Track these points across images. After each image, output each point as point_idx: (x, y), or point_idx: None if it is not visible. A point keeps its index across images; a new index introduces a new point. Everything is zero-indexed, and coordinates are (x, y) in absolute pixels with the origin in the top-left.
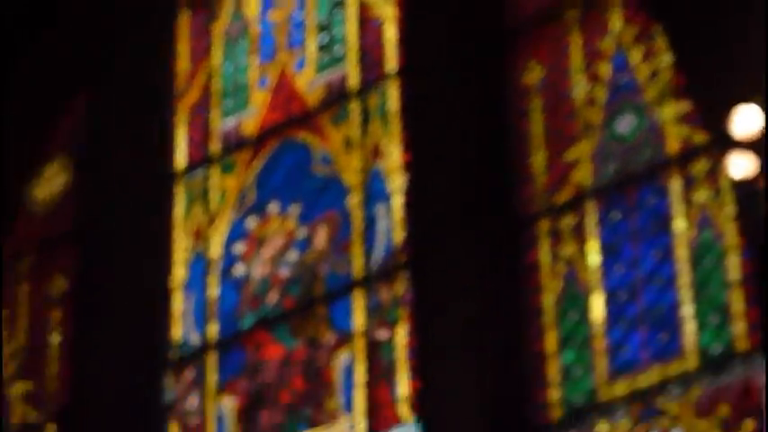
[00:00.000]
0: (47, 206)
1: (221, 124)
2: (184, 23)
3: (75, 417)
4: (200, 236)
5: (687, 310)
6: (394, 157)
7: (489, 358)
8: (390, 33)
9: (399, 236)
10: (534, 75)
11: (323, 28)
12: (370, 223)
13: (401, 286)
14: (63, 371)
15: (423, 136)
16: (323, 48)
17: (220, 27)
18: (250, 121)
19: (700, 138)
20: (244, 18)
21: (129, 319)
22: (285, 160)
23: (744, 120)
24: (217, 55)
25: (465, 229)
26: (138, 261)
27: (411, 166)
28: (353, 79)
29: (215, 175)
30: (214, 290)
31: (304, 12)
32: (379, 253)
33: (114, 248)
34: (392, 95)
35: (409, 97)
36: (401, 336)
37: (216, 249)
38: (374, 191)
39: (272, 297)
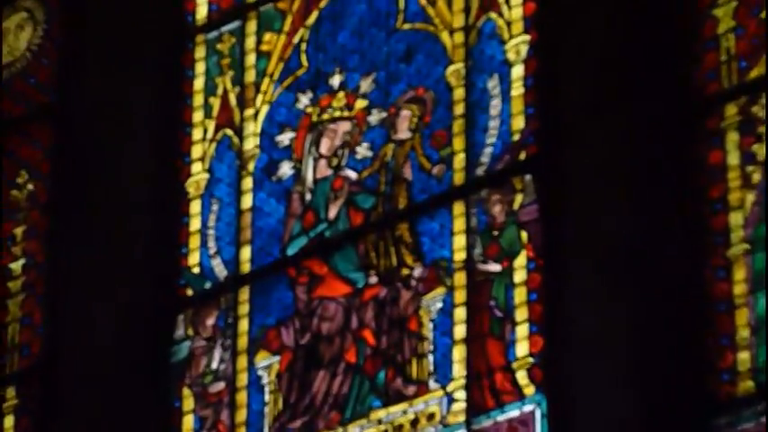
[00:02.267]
0: (8, 72)
1: None
2: None
3: (45, 378)
4: (229, 119)
5: None
6: (515, 7)
7: (647, 304)
8: None
9: (519, 124)
10: None
11: None
12: (477, 105)
13: (521, 196)
14: (29, 312)
15: None
16: None
17: None
18: None
19: None
20: None
21: (124, 239)
22: (355, 10)
23: None
24: None
25: (614, 116)
26: (138, 155)
27: (539, 23)
28: None
29: (251, 31)
30: (248, 198)
31: None
32: (489, 148)
33: (105, 136)
34: None
35: None
36: (520, 270)
37: (251, 140)
38: (484, 58)
39: (333, 210)
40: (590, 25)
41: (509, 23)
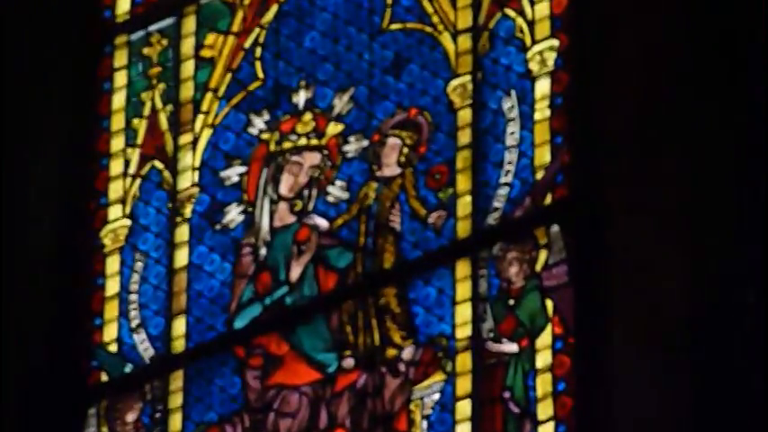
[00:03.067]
0: None
1: None
2: None
3: None
4: (159, 149)
5: None
6: (540, 2)
7: (713, 397)
8: None
9: (544, 157)
10: None
11: None
12: (489, 132)
13: (546, 254)
14: None
15: None
16: None
17: None
18: None
19: None
20: None
21: (19, 307)
22: (327, 4)
23: None
24: None
25: (672, 146)
26: (38, 195)
27: (572, 22)
28: None
29: (188, 31)
30: (183, 253)
31: None
32: (504, 189)
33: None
34: None
35: None
36: (544, 351)
37: (188, 176)
38: (499, 69)
39: (296, 270)
40: (640, 23)
41: (531, 23)
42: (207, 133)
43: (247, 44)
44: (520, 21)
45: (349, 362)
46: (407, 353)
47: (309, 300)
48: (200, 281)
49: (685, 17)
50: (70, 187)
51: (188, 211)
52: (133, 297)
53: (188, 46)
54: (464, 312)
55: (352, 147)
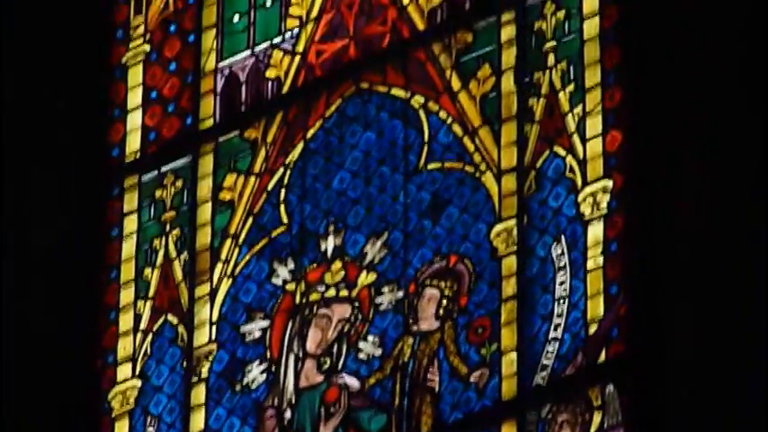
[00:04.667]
0: None
1: (222, 63)
2: None
3: None
4: (173, 301)
5: None
6: (592, 139)
7: None
8: None
9: (598, 309)
10: None
11: None
12: (536, 281)
13: (600, 416)
14: None
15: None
16: None
17: None
18: (284, 57)
19: None
20: None
21: None
22: (358, 142)
23: None
24: None
25: (738, 296)
26: (38, 356)
27: (628, 161)
28: None
29: (206, 171)
30: (199, 417)
31: None
32: (554, 345)
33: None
34: None
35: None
36: None
37: (205, 331)
38: (547, 212)
39: None
40: (704, 158)
41: (583, 162)
42: (226, 284)
43: (270, 185)
44: (570, 159)
45: None
46: None
47: None
48: None
49: (750, 147)
50: (74, 345)
51: (205, 370)
52: None
53: (205, 188)
54: None
55: (386, 298)
